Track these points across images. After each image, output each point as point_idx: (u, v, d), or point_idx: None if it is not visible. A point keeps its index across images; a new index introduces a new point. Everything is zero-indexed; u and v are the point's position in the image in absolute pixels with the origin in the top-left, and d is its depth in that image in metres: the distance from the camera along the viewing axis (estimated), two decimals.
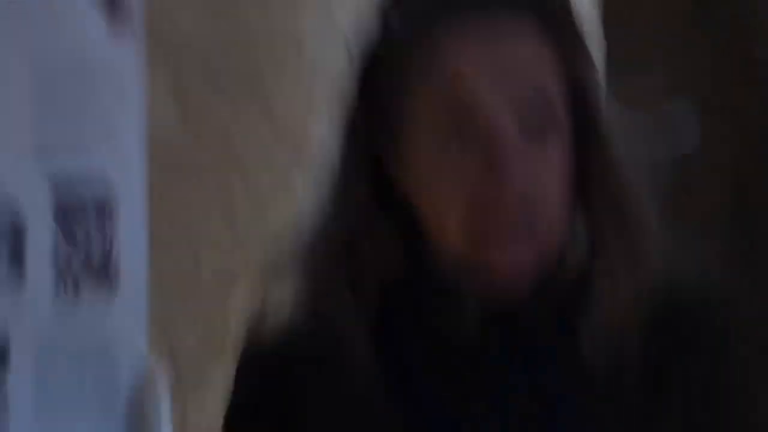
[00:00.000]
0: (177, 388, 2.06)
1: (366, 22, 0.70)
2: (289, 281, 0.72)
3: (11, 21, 1.74)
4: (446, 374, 0.68)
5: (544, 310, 0.68)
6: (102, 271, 1.89)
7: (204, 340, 2.35)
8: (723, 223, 1.22)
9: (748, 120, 1.17)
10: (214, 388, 2.24)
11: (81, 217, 1.86)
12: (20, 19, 1.77)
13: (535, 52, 0.65)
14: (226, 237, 2.36)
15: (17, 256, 1.86)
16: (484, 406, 0.67)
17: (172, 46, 2.23)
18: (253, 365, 0.75)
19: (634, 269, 0.68)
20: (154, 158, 2.04)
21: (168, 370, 2.00)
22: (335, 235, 0.69)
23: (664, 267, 0.70)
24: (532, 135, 0.64)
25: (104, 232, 1.89)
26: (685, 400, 0.68)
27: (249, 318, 0.74)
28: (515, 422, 0.66)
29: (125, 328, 1.93)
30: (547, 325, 0.68)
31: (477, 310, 0.67)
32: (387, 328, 0.69)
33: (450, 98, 0.65)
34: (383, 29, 0.69)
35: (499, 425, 0.67)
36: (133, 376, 1.95)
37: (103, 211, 1.88)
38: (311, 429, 0.70)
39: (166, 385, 1.93)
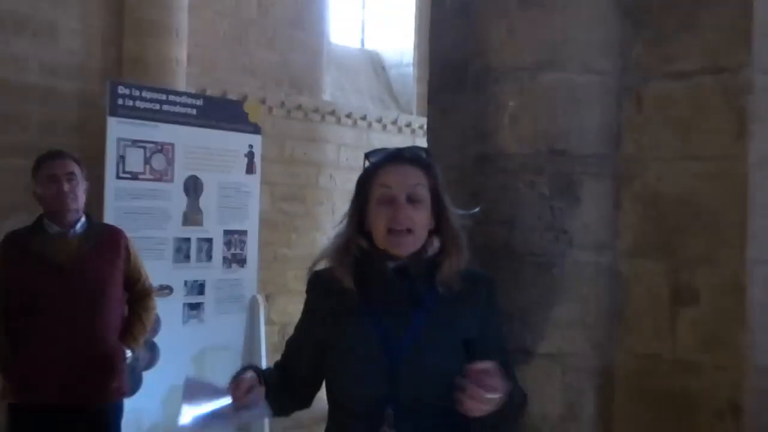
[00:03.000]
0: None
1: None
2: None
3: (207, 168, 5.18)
4: (380, 292, 1.76)
5: (419, 266, 1.76)
6: (240, 259, 5.25)
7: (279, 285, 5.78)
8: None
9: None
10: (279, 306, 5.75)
11: (236, 241, 5.24)
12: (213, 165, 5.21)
13: (416, 174, 1.75)
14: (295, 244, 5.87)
15: (209, 254, 5.16)
16: (394, 305, 1.75)
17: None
18: (312, 282, 1.89)
19: (458, 257, 1.76)
20: (263, 221, 5.50)
21: (262, 296, 5.36)
22: (344, 241, 1.80)
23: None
24: (411, 203, 1.73)
25: (242, 246, 5.26)
26: (468, 300, 1.78)
27: (310, 269, 1.88)
28: (403, 312, 1.75)
29: (248, 281, 5.28)
30: (420, 272, 1.75)
31: (392, 265, 1.76)
32: (361, 273, 1.78)
33: (385, 191, 1.73)
34: (367, 166, 1.80)
35: (399, 313, 1.74)
36: (250, 297, 5.26)
37: (243, 241, 5.27)
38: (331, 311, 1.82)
39: (263, 304, 5.30)
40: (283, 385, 1.84)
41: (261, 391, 1.73)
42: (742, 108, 1.92)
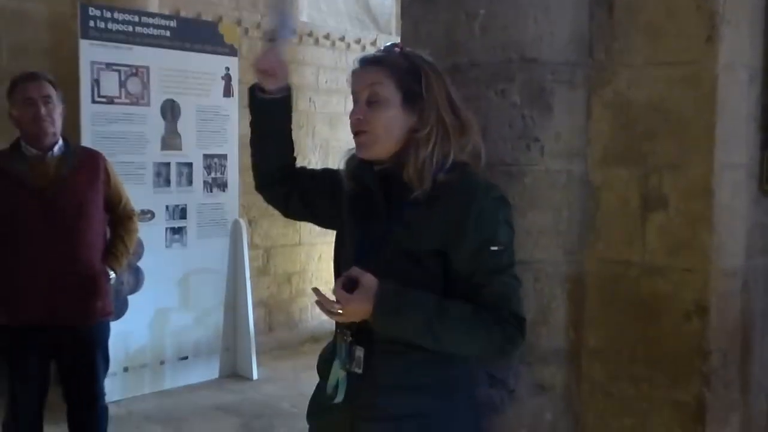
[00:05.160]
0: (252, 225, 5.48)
1: None
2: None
3: (184, 92, 5.13)
4: (363, 196, 1.75)
5: (392, 169, 1.70)
6: (221, 183, 5.25)
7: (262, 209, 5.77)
8: None
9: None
10: (262, 230, 5.70)
11: (216, 165, 5.23)
12: (190, 89, 5.16)
13: (374, 74, 1.68)
14: None
15: (190, 179, 5.16)
16: (371, 209, 1.72)
17: None
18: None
19: (425, 154, 1.66)
20: (243, 146, 5.42)
21: (245, 221, 5.38)
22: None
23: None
24: (369, 104, 1.69)
25: (223, 170, 5.26)
26: (446, 210, 1.64)
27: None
28: (379, 216, 1.70)
29: (229, 204, 5.31)
30: (395, 174, 1.69)
31: (373, 169, 1.75)
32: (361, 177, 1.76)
33: (353, 96, 1.73)
34: None
35: (376, 218, 1.70)
36: (233, 220, 5.30)
37: (223, 165, 5.27)
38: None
39: (246, 227, 5.32)
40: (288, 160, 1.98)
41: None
42: (712, 11, 1.91)
